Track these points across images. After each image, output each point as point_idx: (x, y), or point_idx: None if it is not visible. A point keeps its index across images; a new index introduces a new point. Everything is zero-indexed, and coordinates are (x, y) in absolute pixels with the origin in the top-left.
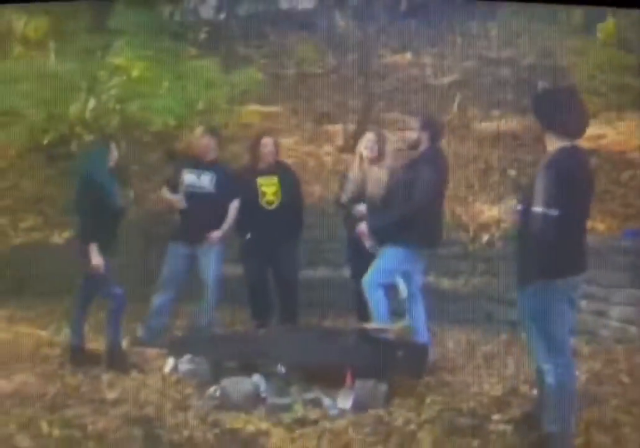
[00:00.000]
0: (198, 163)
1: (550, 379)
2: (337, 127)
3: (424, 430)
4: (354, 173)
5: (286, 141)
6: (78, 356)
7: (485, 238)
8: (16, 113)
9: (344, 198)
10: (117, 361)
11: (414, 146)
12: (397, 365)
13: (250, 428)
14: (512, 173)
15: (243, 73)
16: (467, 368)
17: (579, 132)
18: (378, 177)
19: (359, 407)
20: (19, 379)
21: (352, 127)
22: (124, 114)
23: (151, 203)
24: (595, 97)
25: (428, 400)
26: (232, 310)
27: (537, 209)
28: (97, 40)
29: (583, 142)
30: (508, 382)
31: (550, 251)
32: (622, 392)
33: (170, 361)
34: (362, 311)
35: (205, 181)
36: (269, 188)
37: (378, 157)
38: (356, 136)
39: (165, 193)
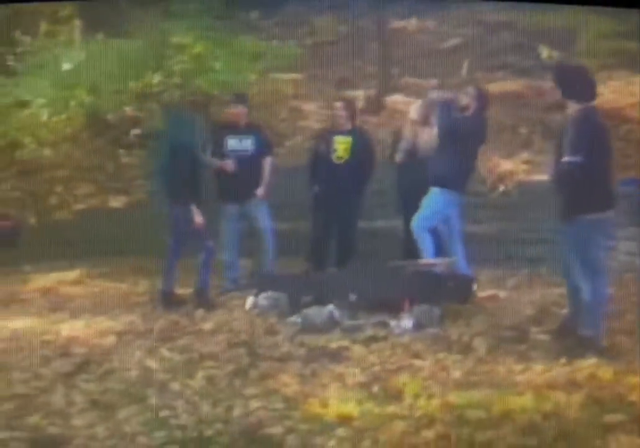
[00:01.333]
0: (236, 129)
1: (586, 295)
2: (358, 92)
3: (477, 340)
4: (406, 134)
5: (309, 106)
6: (169, 299)
7: (501, 188)
8: (95, 88)
9: (399, 156)
10: (205, 301)
11: (464, 110)
12: (447, 293)
13: (333, 345)
14: (523, 130)
15: (285, 46)
16: (501, 296)
17: (592, 97)
18: (428, 137)
19: (418, 326)
20: (124, 320)
21: (371, 91)
22: (187, 88)
23: None
24: (589, 58)
25: (474, 320)
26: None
27: (566, 158)
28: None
29: None
30: (537, 305)
31: (580, 192)
32: (632, 309)
33: (250, 299)
34: (413, 250)
35: (246, 144)
36: (341, 145)
37: (425, 121)
38: (378, 99)
39: (212, 159)
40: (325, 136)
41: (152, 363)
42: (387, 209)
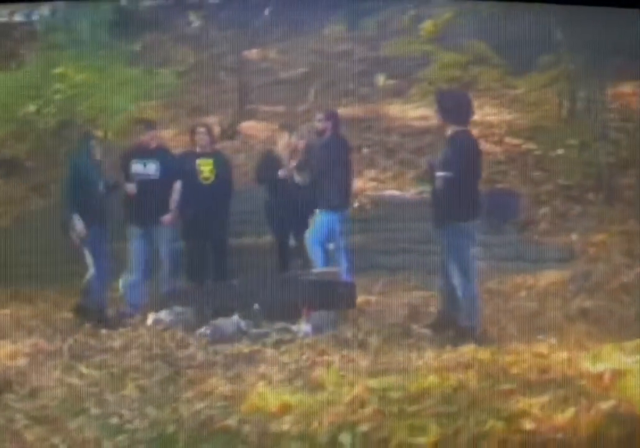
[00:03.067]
0: (143, 152)
1: (460, 292)
2: (211, 119)
3: (371, 337)
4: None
5: (167, 132)
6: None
7: (356, 204)
8: None
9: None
10: (106, 320)
11: (321, 133)
12: (337, 298)
13: (246, 350)
14: (365, 150)
15: (161, 75)
16: (372, 300)
17: (468, 120)
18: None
19: (316, 330)
20: (27, 342)
21: (225, 118)
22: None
23: None
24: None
25: (360, 321)
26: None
27: (440, 173)
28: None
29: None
30: (408, 306)
31: (451, 203)
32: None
33: (151, 316)
34: (304, 262)
35: (151, 169)
36: (205, 167)
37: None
38: (233, 126)
39: (118, 183)
40: (187, 159)
41: (74, 380)
42: (251, 227)
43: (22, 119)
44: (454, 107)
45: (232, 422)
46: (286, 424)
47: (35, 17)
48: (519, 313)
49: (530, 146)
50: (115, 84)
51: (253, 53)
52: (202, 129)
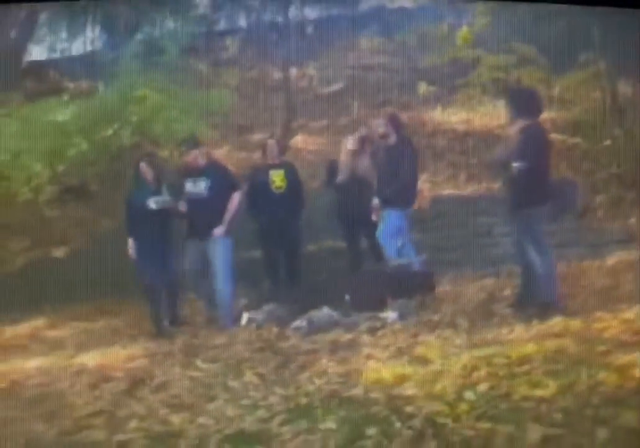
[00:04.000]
0: (193, 172)
1: (540, 269)
2: (259, 136)
3: (458, 319)
4: (344, 162)
5: (220, 151)
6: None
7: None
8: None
9: (340, 178)
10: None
11: (384, 136)
12: (416, 287)
13: (343, 338)
14: None
15: (216, 95)
16: (453, 289)
17: (539, 114)
18: (364, 163)
19: (402, 316)
20: (137, 347)
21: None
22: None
23: None
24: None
25: (442, 307)
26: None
27: (516, 163)
28: None
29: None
30: (484, 291)
31: (526, 190)
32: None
33: (245, 315)
34: (378, 257)
35: (200, 186)
36: (277, 177)
37: (360, 149)
38: (284, 141)
39: (169, 202)
40: (260, 170)
41: (195, 373)
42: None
43: (99, 142)
44: (525, 102)
45: (358, 391)
46: (410, 389)
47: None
48: (595, 288)
49: (576, 140)
50: (184, 105)
51: (293, 71)
52: (272, 142)
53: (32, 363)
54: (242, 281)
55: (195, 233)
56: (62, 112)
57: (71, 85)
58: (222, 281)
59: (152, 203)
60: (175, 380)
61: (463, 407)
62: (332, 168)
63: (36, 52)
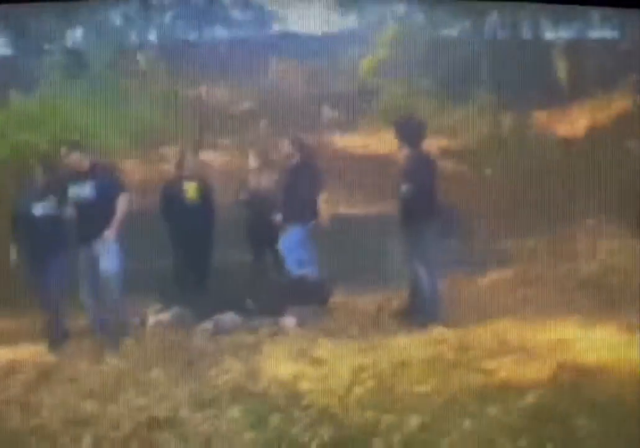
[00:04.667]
0: (77, 176)
1: (425, 284)
2: (168, 149)
3: (350, 327)
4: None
5: (130, 162)
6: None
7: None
8: None
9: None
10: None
11: (287, 157)
12: (313, 296)
13: (248, 340)
14: None
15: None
16: (348, 299)
17: (420, 143)
18: (267, 181)
19: (300, 322)
20: None
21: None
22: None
23: None
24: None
25: (337, 315)
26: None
27: (403, 186)
28: None
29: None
30: (379, 304)
31: (414, 210)
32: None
33: (151, 318)
34: (280, 267)
35: (85, 190)
36: (190, 188)
37: (263, 167)
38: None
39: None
40: (174, 181)
41: (105, 368)
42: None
43: (15, 148)
44: (409, 131)
45: (260, 386)
46: (306, 385)
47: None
48: (472, 303)
49: (463, 167)
50: (101, 116)
51: (203, 89)
52: (189, 155)
53: None
54: (143, 289)
55: (85, 238)
56: None
57: None
58: (112, 287)
59: (38, 209)
60: (85, 373)
61: (352, 399)
62: (240, 185)
63: None
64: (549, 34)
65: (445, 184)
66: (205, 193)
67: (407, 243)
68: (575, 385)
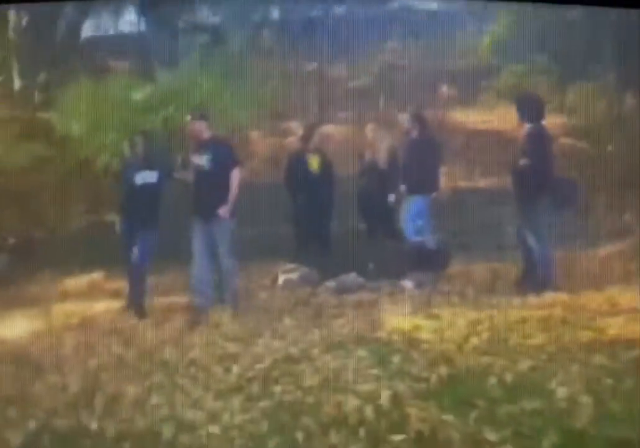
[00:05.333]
0: (197, 145)
1: (537, 254)
2: (293, 123)
3: (466, 290)
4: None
5: (253, 134)
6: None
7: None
8: None
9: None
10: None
11: (408, 131)
12: (432, 262)
13: (366, 298)
14: None
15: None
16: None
17: (541, 118)
18: (382, 154)
19: (418, 286)
20: None
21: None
22: None
23: None
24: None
25: (453, 281)
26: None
27: (521, 161)
28: None
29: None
30: (494, 272)
31: (529, 184)
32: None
33: (281, 277)
34: (400, 234)
35: (203, 159)
36: (314, 161)
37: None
38: (312, 130)
39: (178, 172)
40: (299, 153)
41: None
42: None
43: (163, 121)
44: (530, 108)
45: (381, 334)
46: (425, 335)
47: None
48: (586, 273)
49: (583, 144)
50: (235, 92)
51: (325, 66)
52: (316, 130)
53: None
54: (273, 252)
55: (200, 210)
56: (137, 91)
57: (124, 64)
58: (226, 262)
59: (139, 179)
60: (226, 321)
61: (468, 346)
62: (358, 158)
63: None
64: None
65: (566, 160)
66: (326, 165)
67: (520, 215)
68: None
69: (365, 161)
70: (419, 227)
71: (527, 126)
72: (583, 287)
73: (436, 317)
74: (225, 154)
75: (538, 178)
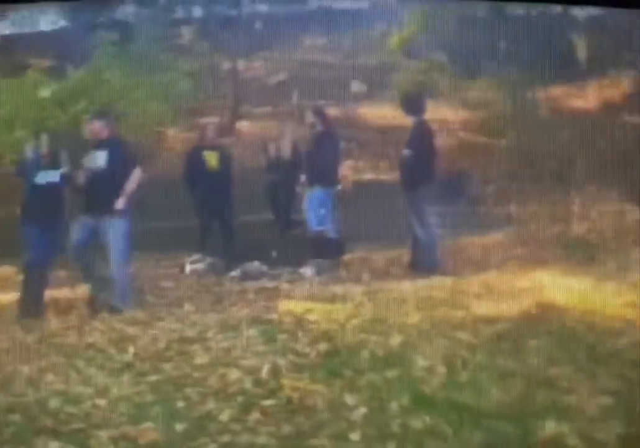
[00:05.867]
0: (95, 144)
1: (422, 239)
2: (210, 119)
3: (362, 275)
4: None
5: (170, 130)
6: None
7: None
8: None
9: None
10: None
11: (311, 126)
12: (330, 250)
13: (271, 284)
14: (343, 144)
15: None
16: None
17: (424, 113)
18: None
19: (318, 272)
20: None
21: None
22: None
23: None
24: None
25: (350, 267)
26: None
27: (405, 151)
28: None
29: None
30: (389, 258)
31: (412, 172)
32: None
33: (188, 266)
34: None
35: (100, 159)
36: (211, 157)
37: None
38: (230, 125)
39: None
40: (196, 150)
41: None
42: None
43: (72, 116)
44: (413, 103)
45: (274, 316)
46: (313, 317)
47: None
48: (470, 260)
49: (480, 138)
50: (147, 88)
51: (241, 62)
52: (210, 126)
53: None
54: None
55: (92, 208)
56: (45, 88)
57: (43, 62)
58: (117, 260)
59: (40, 178)
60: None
61: (349, 326)
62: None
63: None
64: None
65: (464, 153)
66: (224, 160)
67: (407, 204)
68: (539, 318)
69: (271, 154)
70: (321, 217)
71: (411, 120)
72: (467, 272)
73: (328, 300)
74: (123, 154)
75: (420, 169)
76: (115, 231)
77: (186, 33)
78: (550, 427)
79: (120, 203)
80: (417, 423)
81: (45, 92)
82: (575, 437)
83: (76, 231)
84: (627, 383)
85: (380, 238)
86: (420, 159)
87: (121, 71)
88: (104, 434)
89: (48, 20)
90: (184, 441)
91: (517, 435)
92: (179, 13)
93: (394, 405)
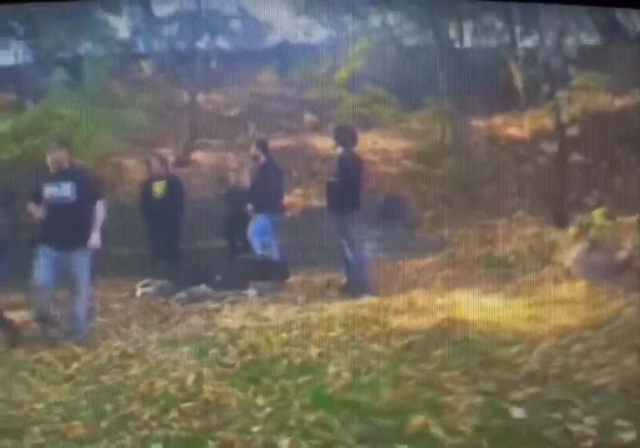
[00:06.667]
0: (57, 175)
1: (352, 262)
2: (167, 150)
3: (299, 296)
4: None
5: (128, 162)
6: None
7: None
8: None
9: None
10: None
11: (255, 158)
12: (274, 273)
13: (211, 306)
14: (295, 173)
15: (128, 114)
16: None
17: (354, 145)
18: (243, 178)
19: (260, 294)
20: None
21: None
22: None
23: None
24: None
25: (291, 288)
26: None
27: (329, 179)
28: None
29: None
30: (325, 280)
31: (337, 200)
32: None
33: (139, 290)
34: (248, 249)
35: (66, 190)
36: (157, 187)
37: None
38: (186, 156)
39: (30, 206)
40: (147, 181)
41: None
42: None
43: (28, 150)
44: (344, 136)
45: (211, 333)
46: (247, 333)
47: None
48: (399, 280)
49: (419, 166)
50: (100, 122)
51: (199, 96)
52: (155, 160)
53: None
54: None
55: (58, 241)
56: (3, 122)
57: (4, 96)
58: (84, 295)
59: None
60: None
61: (277, 340)
62: (221, 182)
63: None
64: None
65: (404, 181)
66: (171, 189)
67: (336, 228)
68: (448, 331)
69: (229, 183)
70: (265, 242)
71: (339, 150)
72: (396, 291)
73: (263, 319)
74: (87, 185)
75: (346, 195)
76: (83, 266)
77: (146, 67)
78: (417, 420)
79: (95, 241)
80: (311, 417)
81: (3, 127)
82: (439, 429)
83: (42, 267)
84: (501, 384)
85: (322, 260)
86: (346, 186)
87: (74, 106)
88: (37, 429)
89: (10, 54)
90: (105, 435)
91: (392, 427)
92: (140, 48)
93: (296, 404)
